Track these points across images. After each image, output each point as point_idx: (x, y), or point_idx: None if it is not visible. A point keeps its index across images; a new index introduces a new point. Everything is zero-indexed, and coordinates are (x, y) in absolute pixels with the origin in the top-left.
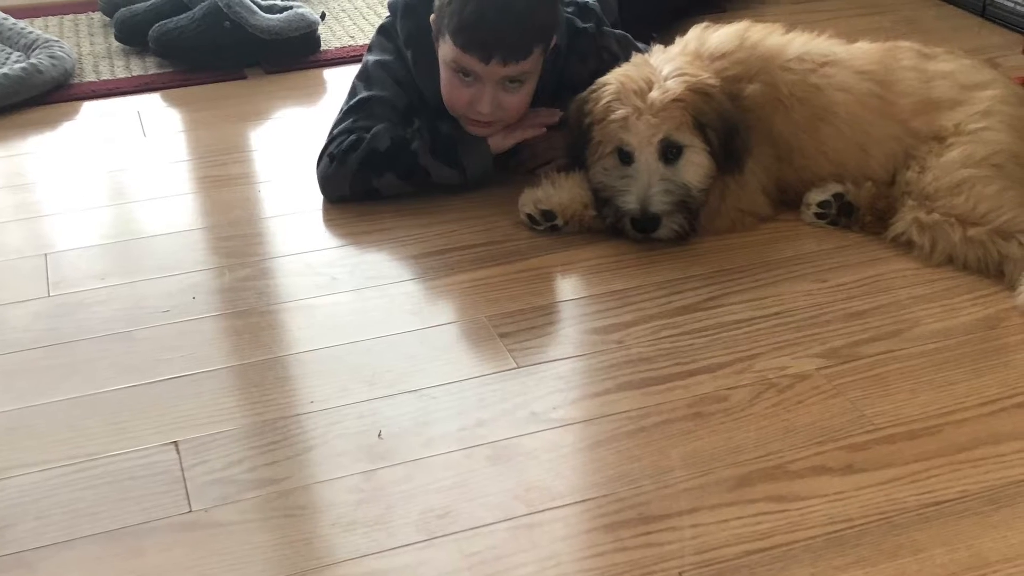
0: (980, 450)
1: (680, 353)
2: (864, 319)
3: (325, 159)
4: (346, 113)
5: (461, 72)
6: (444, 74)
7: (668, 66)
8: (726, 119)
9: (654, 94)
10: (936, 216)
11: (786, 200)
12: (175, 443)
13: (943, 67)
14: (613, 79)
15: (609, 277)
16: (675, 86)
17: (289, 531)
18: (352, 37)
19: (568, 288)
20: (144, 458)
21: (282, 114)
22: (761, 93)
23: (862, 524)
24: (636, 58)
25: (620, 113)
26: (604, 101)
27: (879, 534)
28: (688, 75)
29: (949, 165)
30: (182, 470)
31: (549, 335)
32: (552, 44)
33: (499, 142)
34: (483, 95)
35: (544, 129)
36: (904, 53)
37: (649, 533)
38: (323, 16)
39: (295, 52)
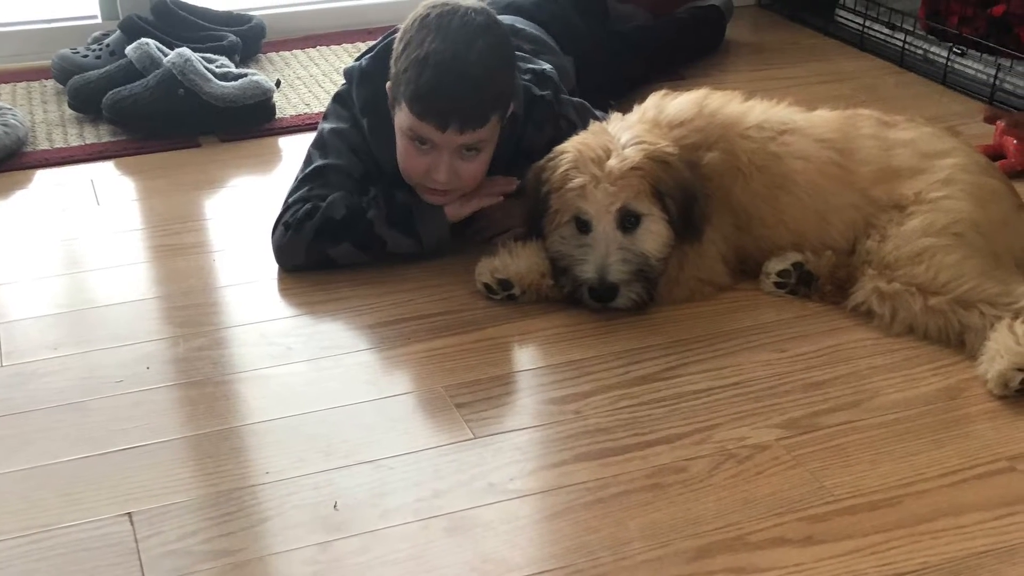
0: (941, 521)
1: (638, 423)
2: (824, 389)
3: (280, 228)
4: (301, 181)
5: (417, 140)
6: (400, 142)
7: (626, 134)
8: (685, 187)
9: (612, 162)
10: (896, 285)
11: (745, 269)
12: (129, 514)
13: (903, 135)
14: (571, 147)
15: (566, 347)
16: (633, 154)
17: None
18: (307, 105)
19: (525, 358)
20: (98, 529)
21: (237, 182)
22: (720, 161)
23: None
24: (594, 126)
25: (578, 181)
26: (562, 169)
27: None
28: (646, 143)
29: (909, 234)
30: (136, 541)
31: (506, 405)
32: (509, 112)
33: (456, 210)
34: (440, 163)
35: (501, 197)
36: (864, 121)
37: None
38: (278, 84)
39: (250, 120)
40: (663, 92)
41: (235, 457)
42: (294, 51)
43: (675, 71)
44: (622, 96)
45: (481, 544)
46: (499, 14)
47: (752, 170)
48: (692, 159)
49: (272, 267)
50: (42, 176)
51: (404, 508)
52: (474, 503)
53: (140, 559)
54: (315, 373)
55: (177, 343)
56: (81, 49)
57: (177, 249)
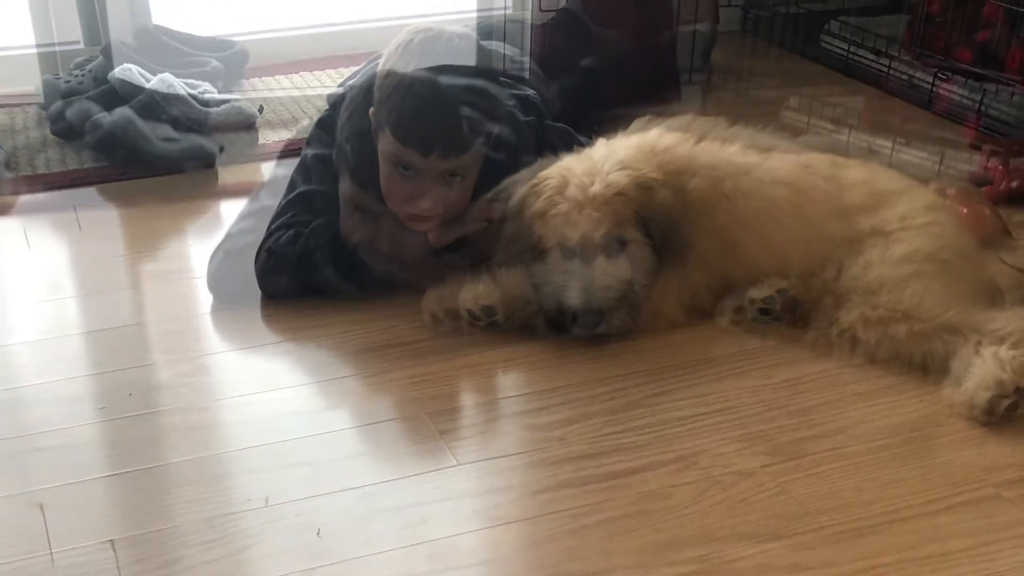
0: (926, 548)
1: (623, 450)
2: (809, 416)
3: (263, 254)
4: (285, 207)
5: (401, 166)
6: (384, 168)
7: (610, 160)
8: (669, 213)
9: (596, 188)
10: (882, 312)
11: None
12: (111, 541)
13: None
14: (555, 173)
15: (550, 373)
16: (617, 180)
17: None
18: (290, 131)
19: (509, 384)
20: (81, 556)
21: (219, 208)
22: (704, 187)
23: None
24: (578, 152)
25: (562, 207)
26: (545, 195)
27: None
28: (630, 169)
29: (895, 260)
30: (118, 569)
31: (490, 432)
32: (493, 137)
33: (439, 237)
34: (423, 189)
35: (485, 223)
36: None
37: None
38: (261, 109)
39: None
40: (647, 118)
41: (218, 484)
42: (277, 76)
43: (659, 97)
44: (606, 122)
45: (465, 571)
46: (482, 40)
47: (737, 196)
48: (676, 185)
49: (255, 293)
50: (24, 202)
51: (388, 535)
52: (458, 530)
53: None
54: (299, 399)
55: (160, 370)
56: (64, 75)
57: (160, 275)
